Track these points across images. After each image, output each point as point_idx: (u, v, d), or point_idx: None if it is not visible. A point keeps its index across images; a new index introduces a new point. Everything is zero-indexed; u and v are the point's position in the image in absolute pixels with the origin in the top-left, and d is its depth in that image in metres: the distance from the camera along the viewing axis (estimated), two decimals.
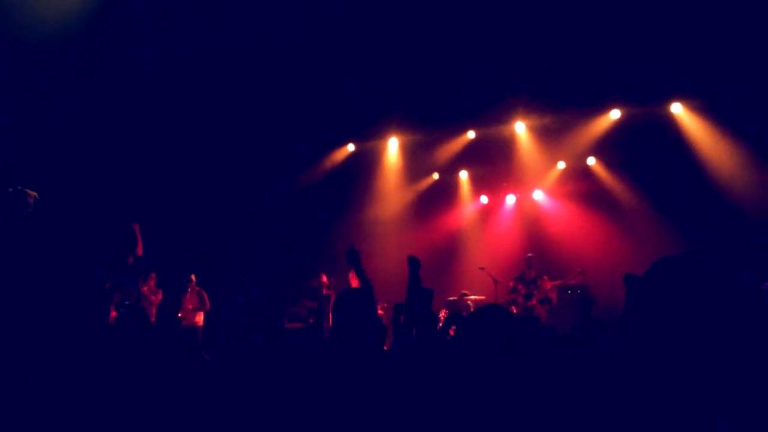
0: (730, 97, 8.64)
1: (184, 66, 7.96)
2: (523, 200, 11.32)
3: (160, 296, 8.66)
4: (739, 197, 8.85)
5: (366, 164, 11.39)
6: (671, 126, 9.44)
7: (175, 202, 9.32)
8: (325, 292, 8.88)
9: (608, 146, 9.99)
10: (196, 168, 9.43)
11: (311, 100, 9.11)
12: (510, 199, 11.51)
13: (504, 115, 10.05)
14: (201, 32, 7.50)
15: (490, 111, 9.76)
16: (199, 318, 8.84)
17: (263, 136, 9.70)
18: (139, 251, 5.34)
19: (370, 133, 10.66)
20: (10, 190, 2.59)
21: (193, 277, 8.80)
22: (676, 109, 9.41)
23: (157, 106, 8.31)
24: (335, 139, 10.83)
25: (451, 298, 9.36)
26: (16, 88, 6.75)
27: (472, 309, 9.23)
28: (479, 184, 11.73)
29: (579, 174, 10.79)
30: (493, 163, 11.13)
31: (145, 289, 8.35)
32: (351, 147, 11.11)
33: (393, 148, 11.14)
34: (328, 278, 9.07)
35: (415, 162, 11.23)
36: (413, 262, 4.14)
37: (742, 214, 8.70)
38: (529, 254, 8.93)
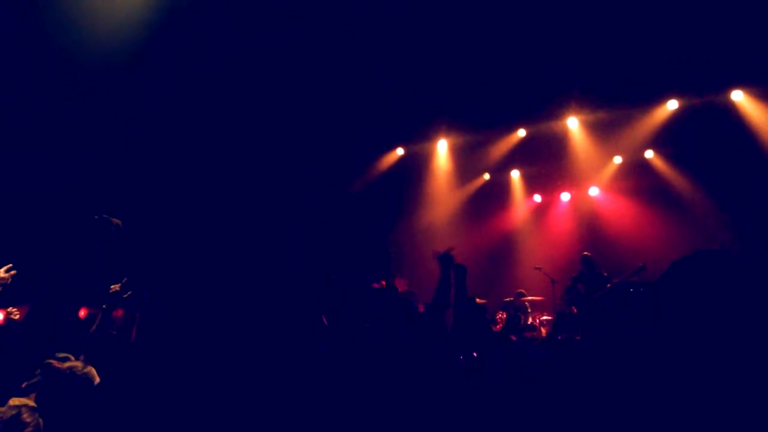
0: None
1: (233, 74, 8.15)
2: (578, 197, 11.08)
3: None
4: None
5: (416, 167, 11.38)
6: (733, 115, 9.03)
7: (233, 211, 9.50)
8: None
9: (667, 138, 9.64)
10: (247, 176, 9.60)
11: (359, 105, 9.18)
12: (564, 197, 11.29)
13: (555, 111, 9.85)
14: (248, 37, 7.66)
15: (540, 108, 9.59)
16: None
17: (313, 142, 9.83)
18: None
19: (418, 135, 10.64)
20: (96, 217, 2.69)
21: None
22: (737, 96, 9.01)
23: (204, 113, 8.50)
24: (384, 143, 10.85)
25: (507, 299, 9.24)
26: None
27: (529, 309, 9.12)
28: (532, 183, 11.57)
29: (636, 168, 10.46)
30: (546, 161, 10.94)
31: None
32: (400, 151, 11.11)
33: (442, 150, 11.09)
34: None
35: (466, 163, 11.15)
36: (444, 259, 4.19)
37: None
38: (585, 253, 8.72)
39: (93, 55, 6.90)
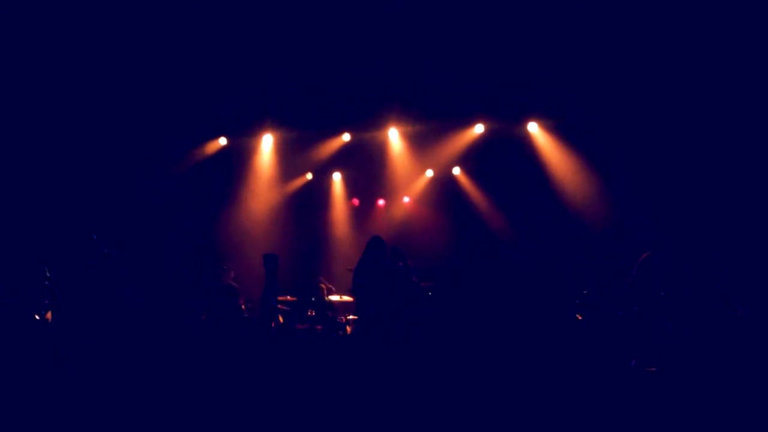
0: (578, 119, 9.65)
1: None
2: (392, 205, 11.80)
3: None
4: (579, 208, 9.97)
5: (239, 160, 11.19)
6: (526, 143, 10.33)
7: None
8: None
9: (471, 158, 10.74)
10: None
11: (184, 91, 8.87)
12: (381, 203, 11.95)
13: (378, 120, 10.35)
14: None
15: (365, 115, 10.03)
16: None
17: (132, 127, 9.31)
18: None
19: (243, 127, 10.48)
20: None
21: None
22: (532, 128, 10.28)
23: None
24: (207, 131, 10.52)
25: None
26: None
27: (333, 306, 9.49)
28: (352, 187, 12.05)
29: (444, 182, 11.47)
30: (367, 167, 11.46)
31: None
32: (223, 141, 10.81)
33: (267, 145, 11.03)
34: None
35: (290, 161, 11.24)
36: (269, 260, 4.42)
37: (580, 223, 9.86)
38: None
39: None
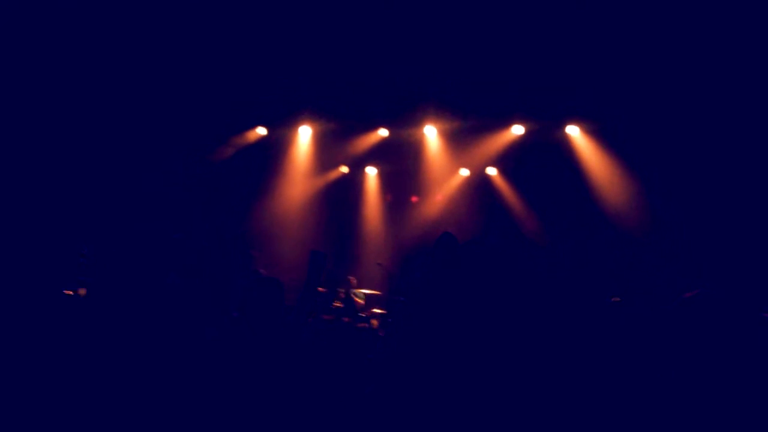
0: (621, 125, 9.43)
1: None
2: (427, 202, 11.75)
3: None
4: (617, 215, 9.75)
5: (277, 150, 11.32)
6: (566, 148, 10.15)
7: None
8: None
9: (509, 159, 10.61)
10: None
11: (223, 82, 9.01)
12: (414, 200, 11.92)
13: (415, 117, 10.32)
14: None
15: (403, 110, 10.00)
16: None
17: (172, 115, 9.49)
18: None
19: (282, 118, 10.59)
20: None
21: None
22: (573, 131, 10.09)
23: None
24: (247, 121, 10.66)
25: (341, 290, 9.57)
26: None
27: (363, 303, 9.53)
28: (386, 182, 12.08)
29: (479, 182, 11.37)
30: (402, 164, 11.46)
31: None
32: (262, 130, 10.95)
33: (305, 137, 11.12)
34: None
35: (326, 153, 11.31)
36: (316, 257, 4.30)
37: (620, 232, 9.64)
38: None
39: None
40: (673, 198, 9.23)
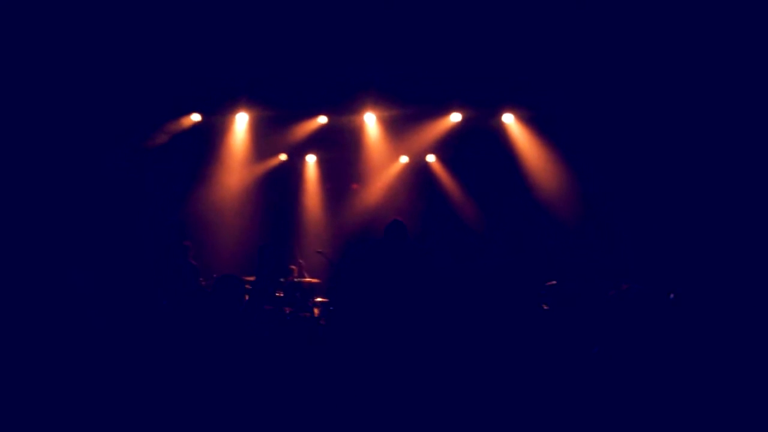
0: (553, 112, 9.73)
1: None
2: (366, 189, 11.79)
3: None
4: (551, 201, 10.10)
5: (213, 137, 11.01)
6: (503, 134, 10.40)
7: None
8: None
9: (447, 146, 10.77)
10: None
11: (156, 66, 8.67)
12: (355, 187, 11.94)
13: (355, 104, 10.26)
14: None
15: (342, 98, 9.93)
16: None
17: (103, 100, 9.06)
18: None
19: (218, 104, 10.30)
20: None
21: None
22: (508, 119, 10.33)
23: None
24: (180, 107, 10.30)
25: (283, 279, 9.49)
26: None
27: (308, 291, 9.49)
28: (326, 170, 12.02)
29: (419, 169, 11.49)
30: (341, 151, 11.41)
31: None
32: (196, 117, 10.60)
33: (242, 123, 10.86)
34: None
35: (264, 140, 11.11)
36: (263, 251, 4.30)
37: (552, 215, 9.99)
38: None
39: None
40: (605, 185, 9.64)
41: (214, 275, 9.18)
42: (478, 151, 10.81)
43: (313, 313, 9.05)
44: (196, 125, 10.60)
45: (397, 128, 10.68)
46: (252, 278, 9.14)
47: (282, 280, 9.31)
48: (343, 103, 10.10)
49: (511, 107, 10.12)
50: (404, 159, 11.62)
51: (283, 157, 11.87)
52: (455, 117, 10.31)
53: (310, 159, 12.09)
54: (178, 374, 3.66)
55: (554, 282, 6.42)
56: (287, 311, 8.68)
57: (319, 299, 9.15)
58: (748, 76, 7.53)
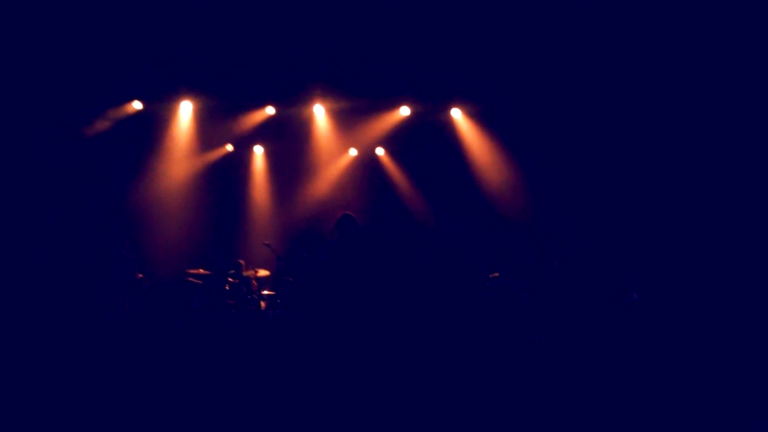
0: (500, 107, 9.88)
1: None
2: (315, 181, 11.70)
3: None
4: (496, 196, 10.29)
5: (156, 126, 10.65)
6: (450, 128, 10.51)
7: None
8: None
9: (396, 139, 10.80)
10: None
11: (96, 50, 8.31)
12: (303, 179, 11.81)
13: (304, 95, 10.14)
14: None
15: (290, 88, 9.79)
16: None
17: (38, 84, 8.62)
18: None
19: (161, 92, 9.96)
20: None
21: None
22: (456, 114, 10.45)
23: None
24: (121, 93, 9.91)
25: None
26: None
27: (255, 283, 9.37)
28: (274, 161, 11.85)
29: (367, 162, 11.51)
30: (290, 142, 11.27)
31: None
32: (137, 105, 10.23)
33: (186, 113, 10.55)
34: None
35: (209, 130, 10.84)
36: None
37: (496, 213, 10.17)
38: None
39: None
40: (550, 181, 9.86)
41: (151, 270, 8.97)
42: (427, 144, 10.88)
43: (260, 306, 8.94)
44: (138, 113, 10.25)
45: (346, 121, 10.64)
46: (198, 271, 8.97)
47: (231, 272, 9.15)
48: (292, 94, 9.98)
49: (459, 102, 10.25)
50: (353, 152, 11.57)
51: (229, 147, 11.61)
52: (404, 111, 10.36)
53: (258, 150, 11.87)
54: (115, 372, 3.55)
55: (497, 274, 6.56)
56: (232, 303, 8.54)
57: (266, 292, 9.04)
58: (694, 58, 7.64)
